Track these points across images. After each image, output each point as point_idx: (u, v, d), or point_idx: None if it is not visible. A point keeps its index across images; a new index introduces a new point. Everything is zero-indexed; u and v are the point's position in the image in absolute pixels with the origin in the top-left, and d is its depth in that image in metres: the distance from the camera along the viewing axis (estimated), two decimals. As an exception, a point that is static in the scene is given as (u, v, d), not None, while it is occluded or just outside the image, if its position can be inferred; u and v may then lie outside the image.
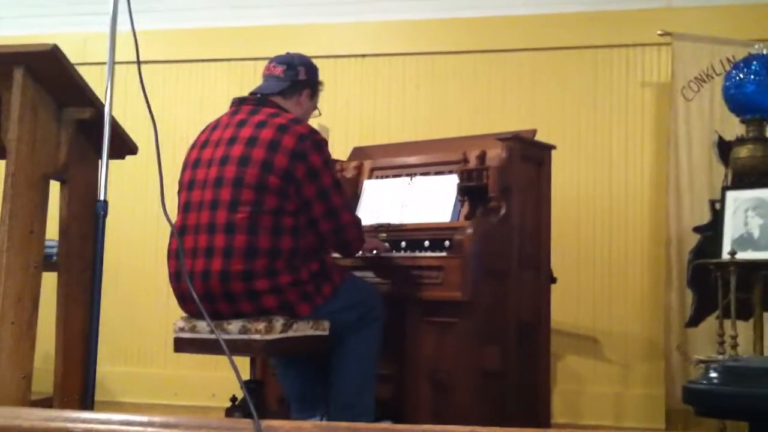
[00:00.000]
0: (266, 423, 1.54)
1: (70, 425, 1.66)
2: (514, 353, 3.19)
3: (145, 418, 1.61)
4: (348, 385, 2.83)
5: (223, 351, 2.61)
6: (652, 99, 4.31)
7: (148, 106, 2.47)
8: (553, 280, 3.48)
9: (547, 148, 3.50)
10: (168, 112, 4.55)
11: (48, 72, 2.39)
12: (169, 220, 2.52)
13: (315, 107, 3.06)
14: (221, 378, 4.27)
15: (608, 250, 4.28)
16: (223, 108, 2.98)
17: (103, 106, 2.47)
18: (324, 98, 3.11)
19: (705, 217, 3.94)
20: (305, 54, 3.06)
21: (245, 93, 2.96)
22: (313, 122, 3.04)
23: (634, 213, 4.28)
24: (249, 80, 4.46)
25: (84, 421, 1.66)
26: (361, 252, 3.09)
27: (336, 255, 3.03)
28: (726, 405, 1.73)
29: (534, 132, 3.48)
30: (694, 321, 3.90)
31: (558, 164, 3.60)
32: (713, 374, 1.71)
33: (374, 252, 3.17)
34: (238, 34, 4.78)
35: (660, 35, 4.12)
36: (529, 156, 3.37)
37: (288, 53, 3.01)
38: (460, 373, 3.01)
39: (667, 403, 3.88)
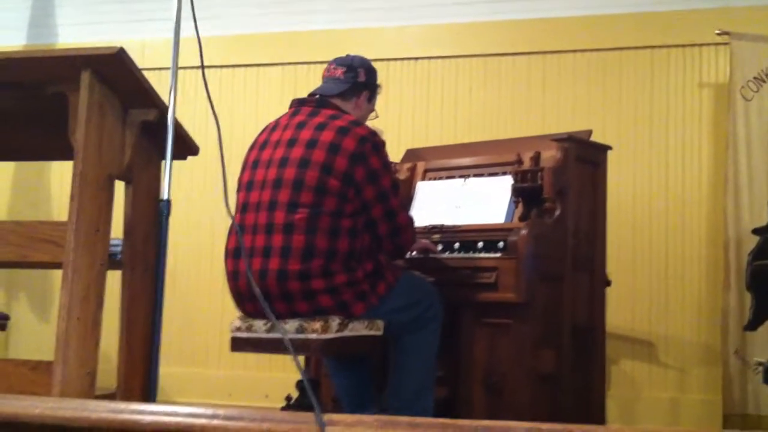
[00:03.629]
0: (328, 416, 1.56)
1: (137, 417, 1.69)
2: (569, 357, 3.16)
3: (210, 411, 1.64)
4: (407, 385, 2.83)
5: (279, 350, 2.66)
6: (710, 99, 4.24)
7: (212, 109, 2.52)
8: (608, 283, 3.44)
9: (603, 149, 3.46)
10: (225, 115, 4.62)
11: (114, 74, 2.44)
12: (233, 219, 2.56)
13: (372, 109, 3.08)
14: (274, 378, 4.33)
15: (665, 253, 4.22)
16: (278, 110, 3.01)
17: (166, 108, 2.54)
18: (377, 100, 3.13)
19: (764, 219, 3.87)
20: (359, 57, 3.09)
21: (299, 96, 2.98)
22: (368, 124, 3.06)
23: (691, 215, 4.21)
24: (303, 83, 4.53)
25: (151, 413, 1.69)
26: (410, 252, 3.10)
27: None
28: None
29: (589, 133, 3.45)
30: (753, 324, 3.83)
31: (614, 165, 3.56)
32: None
33: (424, 253, 3.18)
34: (292, 39, 4.84)
35: (718, 35, 4.06)
36: (584, 157, 3.34)
37: (348, 55, 3.03)
38: (515, 375, 3.00)
39: (724, 408, 3.81)
